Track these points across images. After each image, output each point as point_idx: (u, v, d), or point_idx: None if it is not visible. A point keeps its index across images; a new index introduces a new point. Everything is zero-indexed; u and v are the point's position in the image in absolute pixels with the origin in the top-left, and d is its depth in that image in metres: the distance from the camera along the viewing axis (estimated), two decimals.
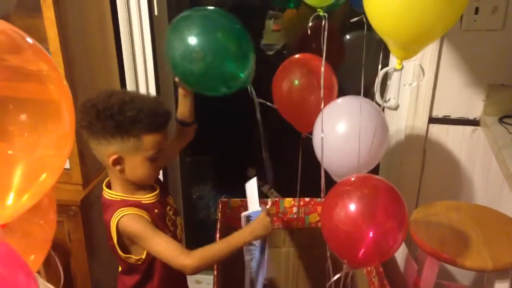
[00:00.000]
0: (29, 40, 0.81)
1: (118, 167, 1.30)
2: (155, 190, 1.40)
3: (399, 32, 1.16)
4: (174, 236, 1.40)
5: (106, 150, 1.28)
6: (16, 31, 0.80)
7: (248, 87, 1.39)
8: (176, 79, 1.45)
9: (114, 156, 1.28)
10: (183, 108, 1.52)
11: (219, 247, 1.31)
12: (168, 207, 1.44)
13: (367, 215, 1.21)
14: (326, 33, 1.36)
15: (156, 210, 1.36)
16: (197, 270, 1.25)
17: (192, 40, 1.28)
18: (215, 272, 1.50)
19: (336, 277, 1.31)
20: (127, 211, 1.30)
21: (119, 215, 1.28)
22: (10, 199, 0.75)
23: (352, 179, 1.30)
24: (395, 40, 1.20)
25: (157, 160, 1.33)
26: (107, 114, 1.25)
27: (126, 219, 1.28)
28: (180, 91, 1.49)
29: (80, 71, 1.71)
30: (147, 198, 1.37)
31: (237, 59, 1.33)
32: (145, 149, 1.29)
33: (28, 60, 0.79)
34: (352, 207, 1.22)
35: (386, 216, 1.22)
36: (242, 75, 1.33)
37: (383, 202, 1.23)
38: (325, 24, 1.38)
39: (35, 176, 0.79)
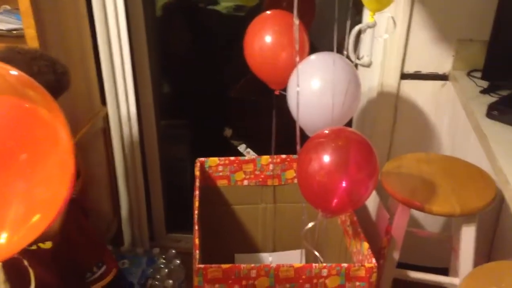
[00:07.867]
0: None
1: None
2: None
3: None
4: None
5: None
6: None
7: None
8: None
9: None
10: None
11: None
12: None
13: (340, 165, 1.26)
14: None
15: None
16: None
17: None
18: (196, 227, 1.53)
19: (310, 225, 1.37)
20: None
21: None
22: None
23: (326, 131, 1.34)
24: None
25: None
26: None
27: None
28: None
29: (51, 31, 1.68)
30: None
31: None
32: None
33: None
34: (326, 158, 1.27)
35: (358, 166, 1.27)
36: None
37: (355, 153, 1.28)
38: None
39: None
